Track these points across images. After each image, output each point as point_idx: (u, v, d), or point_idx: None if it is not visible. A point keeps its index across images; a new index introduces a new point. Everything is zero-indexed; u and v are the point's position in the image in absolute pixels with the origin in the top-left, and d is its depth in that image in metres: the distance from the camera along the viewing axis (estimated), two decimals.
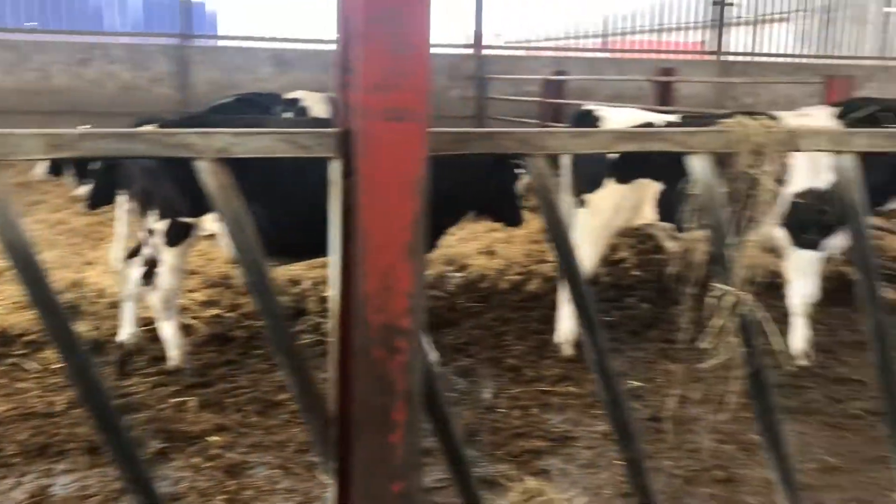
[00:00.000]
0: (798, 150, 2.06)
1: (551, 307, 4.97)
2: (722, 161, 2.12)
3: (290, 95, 7.98)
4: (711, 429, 3.68)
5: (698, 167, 2.04)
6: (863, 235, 2.22)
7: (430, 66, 1.60)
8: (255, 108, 7.74)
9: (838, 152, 2.16)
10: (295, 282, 5.64)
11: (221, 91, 10.12)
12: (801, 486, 3.20)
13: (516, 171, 4.48)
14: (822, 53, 15.56)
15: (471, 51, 13.30)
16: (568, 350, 4.62)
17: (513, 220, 4.68)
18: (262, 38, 13.10)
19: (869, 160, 2.55)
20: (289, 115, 7.68)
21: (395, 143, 1.60)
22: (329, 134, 1.70)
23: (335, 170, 1.69)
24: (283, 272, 5.56)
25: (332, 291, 1.77)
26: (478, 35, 13.30)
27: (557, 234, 2.03)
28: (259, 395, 4.06)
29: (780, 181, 2.11)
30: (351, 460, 1.76)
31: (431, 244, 4.59)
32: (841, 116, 4.41)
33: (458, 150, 1.81)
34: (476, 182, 4.33)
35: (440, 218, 4.50)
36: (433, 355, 4.39)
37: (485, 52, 13.44)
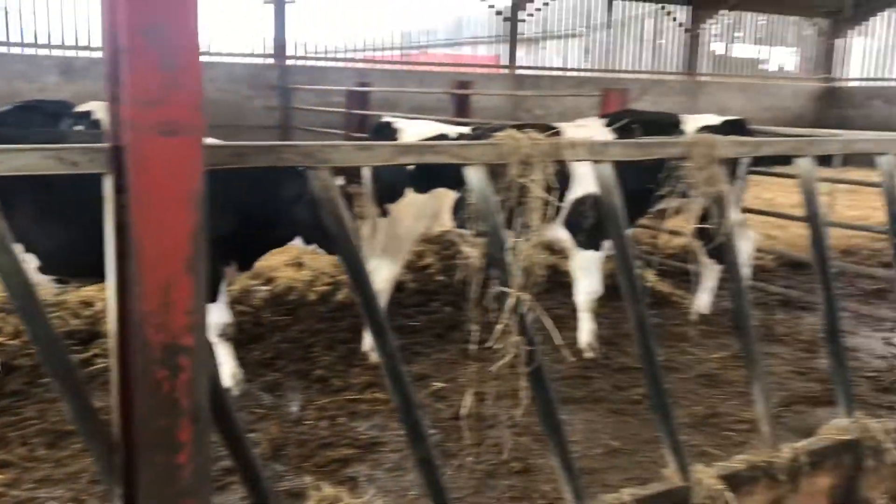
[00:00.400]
0: (561, 160, 2.24)
1: (359, 316, 5.03)
2: (497, 171, 2.27)
3: (83, 108, 7.45)
4: (509, 423, 3.88)
5: (474, 178, 2.17)
6: (622, 235, 2.45)
7: (201, 79, 1.60)
8: (39, 117, 7.15)
9: (597, 161, 2.37)
10: (88, 304, 5.32)
11: (1, 101, 9.33)
12: (587, 471, 3.47)
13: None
14: (605, 68, 16.79)
15: (273, 60, 13.14)
16: (375, 357, 4.69)
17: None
18: (48, 45, 12.20)
19: (636, 167, 2.82)
20: (80, 128, 7.17)
21: (168, 157, 1.59)
22: (100, 149, 1.65)
23: (107, 186, 1.65)
24: (75, 294, 5.23)
25: (110, 311, 1.72)
26: (280, 44, 13.17)
27: (344, 244, 2.09)
28: (48, 426, 3.80)
29: (558, 188, 2.29)
30: (137, 484, 1.72)
31: (249, 264, 4.47)
32: (610, 125, 4.84)
33: (237, 164, 1.81)
34: (301, 205, 4.15)
35: (258, 240, 4.36)
36: (236, 372, 4.30)
37: (289, 62, 13.32)
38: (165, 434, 1.69)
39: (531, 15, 15.66)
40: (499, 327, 2.36)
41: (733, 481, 2.66)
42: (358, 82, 11.67)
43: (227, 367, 4.23)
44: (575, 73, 16.41)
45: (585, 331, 4.88)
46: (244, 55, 13.24)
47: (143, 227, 1.60)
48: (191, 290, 1.64)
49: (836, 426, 2.97)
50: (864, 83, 18.94)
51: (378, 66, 14.47)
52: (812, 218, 2.85)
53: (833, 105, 18.52)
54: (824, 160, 5.43)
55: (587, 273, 4.82)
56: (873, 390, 4.46)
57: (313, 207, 4.00)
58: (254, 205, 4.13)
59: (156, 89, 1.54)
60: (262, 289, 5.99)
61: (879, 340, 5.38)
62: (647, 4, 17.01)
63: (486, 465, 3.56)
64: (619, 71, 16.91)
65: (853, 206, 9.85)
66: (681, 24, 17.37)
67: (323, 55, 13.96)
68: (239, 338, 4.64)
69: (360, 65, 14.24)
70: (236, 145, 1.80)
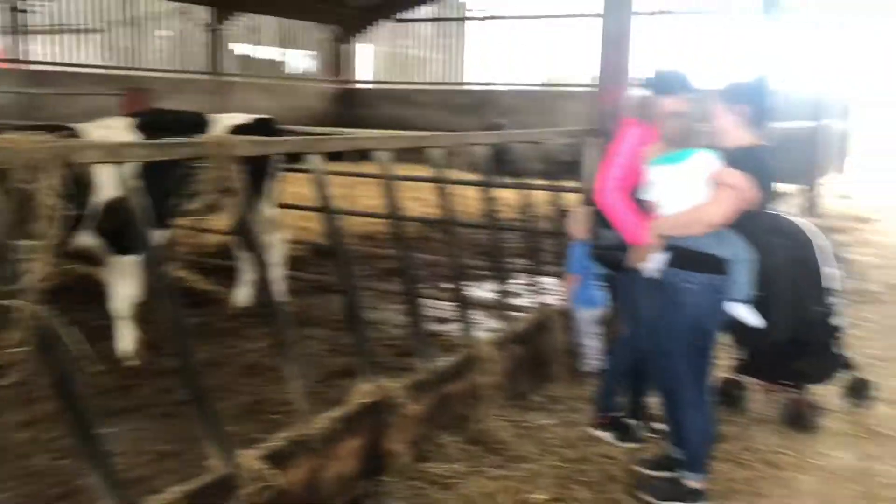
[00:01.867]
0: (75, 163, 2.16)
1: None
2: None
3: None
4: (48, 447, 3.61)
5: None
6: (146, 238, 2.46)
7: None
8: None
9: (116, 163, 2.34)
10: None
11: None
12: (137, 480, 3.40)
13: None
14: (128, 65, 16.10)
15: None
16: None
17: None
18: None
19: (164, 167, 2.82)
20: None
21: None
22: None
23: None
24: None
25: None
26: None
27: None
28: None
29: (76, 192, 2.18)
30: None
31: None
32: (140, 127, 4.70)
33: None
34: None
35: None
36: None
37: None
38: None
39: (42, 5, 14.29)
40: (12, 343, 2.21)
41: (276, 459, 2.86)
42: None
43: None
44: (94, 70, 15.41)
45: (125, 338, 4.71)
46: None
47: None
48: None
49: (360, 391, 3.36)
50: (375, 86, 21.10)
51: None
52: (324, 209, 3.16)
53: (351, 106, 20.29)
54: (338, 156, 5.98)
55: (123, 278, 4.64)
56: (394, 356, 5.08)
57: None
58: None
59: None
60: None
61: (397, 312, 6.13)
62: (166, 3, 16.68)
63: (25, 497, 3.27)
64: (144, 69, 16.35)
65: (373, 195, 11.00)
66: (206, 25, 17.39)
67: None
68: None
69: None
70: None
